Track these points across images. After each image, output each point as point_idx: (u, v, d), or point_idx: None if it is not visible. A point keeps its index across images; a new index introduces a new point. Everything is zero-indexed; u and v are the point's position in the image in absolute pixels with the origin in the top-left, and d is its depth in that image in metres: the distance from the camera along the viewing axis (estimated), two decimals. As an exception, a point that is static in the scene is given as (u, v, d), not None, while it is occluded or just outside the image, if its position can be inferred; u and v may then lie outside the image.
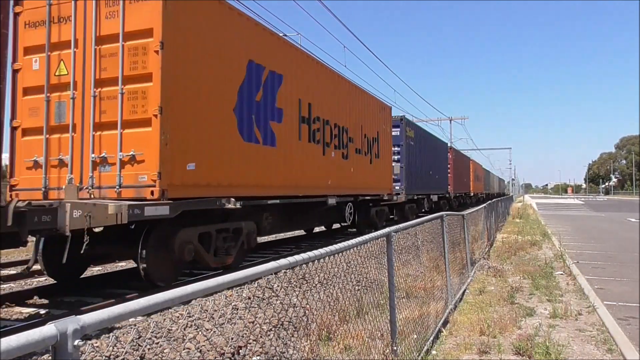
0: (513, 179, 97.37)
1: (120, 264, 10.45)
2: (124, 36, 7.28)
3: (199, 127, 7.89)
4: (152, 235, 7.44)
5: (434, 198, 26.94)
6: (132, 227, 7.67)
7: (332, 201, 12.98)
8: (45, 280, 9.08)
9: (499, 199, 26.00)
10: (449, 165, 32.13)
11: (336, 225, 17.93)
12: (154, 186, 7.06)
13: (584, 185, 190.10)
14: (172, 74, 7.30)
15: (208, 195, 8.09)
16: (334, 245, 3.28)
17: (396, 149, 20.60)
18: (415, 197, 22.66)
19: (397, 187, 20.06)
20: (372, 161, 16.51)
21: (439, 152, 29.21)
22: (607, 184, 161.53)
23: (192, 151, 7.74)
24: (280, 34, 12.04)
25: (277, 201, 10.38)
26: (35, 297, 7.57)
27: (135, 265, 10.29)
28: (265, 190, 9.99)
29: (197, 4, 7.90)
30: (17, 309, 6.89)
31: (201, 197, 7.95)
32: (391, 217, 20.08)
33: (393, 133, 19.66)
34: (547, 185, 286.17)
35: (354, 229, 17.14)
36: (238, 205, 8.53)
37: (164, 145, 7.14)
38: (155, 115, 7.08)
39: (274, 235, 14.09)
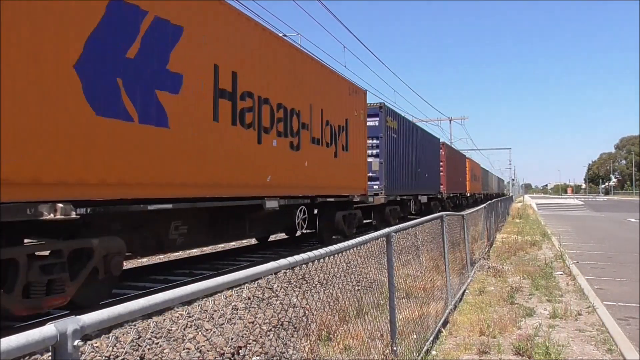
0: (513, 179, 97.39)
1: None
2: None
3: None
4: None
5: (423, 199, 24.13)
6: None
7: (271, 204, 9.87)
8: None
9: (498, 199, 25.96)
10: (441, 163, 29.39)
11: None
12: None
13: (583, 186, 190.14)
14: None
15: (18, 200, 5.15)
16: (334, 246, 3.28)
17: (374, 141, 17.68)
18: (399, 198, 19.62)
19: (375, 187, 17.26)
20: (337, 154, 13.26)
21: (429, 148, 25.92)
22: (607, 184, 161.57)
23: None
24: (280, 35, 11.82)
25: (170, 205, 7.29)
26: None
27: (135, 265, 10.30)
28: (151, 190, 6.89)
29: None
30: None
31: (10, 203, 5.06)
32: (368, 221, 17.77)
33: (370, 123, 16.66)
34: (547, 185, 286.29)
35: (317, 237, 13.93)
36: (73, 215, 5.58)
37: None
38: None
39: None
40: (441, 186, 29.08)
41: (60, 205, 5.44)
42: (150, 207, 6.95)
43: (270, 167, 9.85)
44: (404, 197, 20.59)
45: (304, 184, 11.42)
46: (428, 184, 25.09)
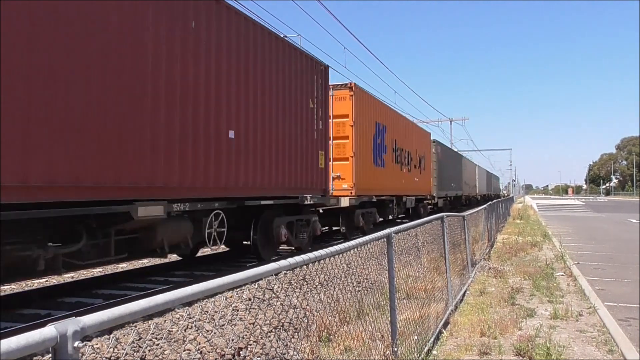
0: (514, 180, 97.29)
1: (121, 265, 10.44)
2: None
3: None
4: None
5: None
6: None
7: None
8: (45, 281, 9.08)
9: (498, 200, 25.96)
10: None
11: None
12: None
13: (584, 186, 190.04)
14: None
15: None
16: (335, 247, 3.28)
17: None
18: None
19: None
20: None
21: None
22: (607, 184, 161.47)
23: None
24: (281, 35, 12.01)
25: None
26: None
27: (135, 267, 10.29)
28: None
29: None
30: (18, 310, 6.88)
31: None
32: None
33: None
34: (547, 186, 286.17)
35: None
36: None
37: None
38: None
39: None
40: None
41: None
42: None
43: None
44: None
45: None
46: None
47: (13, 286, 8.78)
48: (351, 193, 14.27)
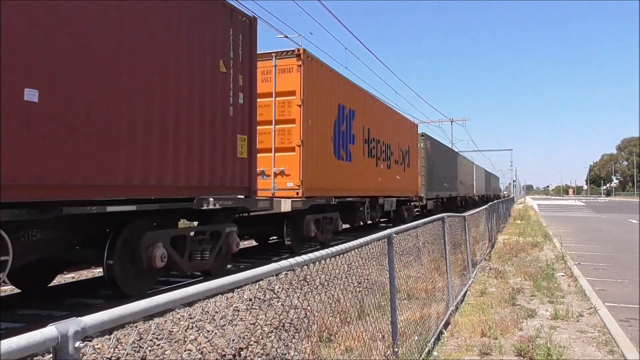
0: (514, 180, 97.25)
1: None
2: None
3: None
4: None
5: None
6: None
7: None
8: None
9: (499, 201, 25.92)
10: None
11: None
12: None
13: (585, 187, 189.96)
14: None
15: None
16: (335, 247, 3.29)
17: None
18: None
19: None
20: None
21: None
22: (608, 185, 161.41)
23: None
24: (281, 35, 12.21)
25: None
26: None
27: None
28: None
29: None
30: (18, 310, 6.88)
31: None
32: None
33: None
34: (548, 186, 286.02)
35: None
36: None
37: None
38: None
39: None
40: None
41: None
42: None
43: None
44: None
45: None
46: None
47: (13, 286, 8.78)
48: (297, 194, 10.86)
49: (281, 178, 11.12)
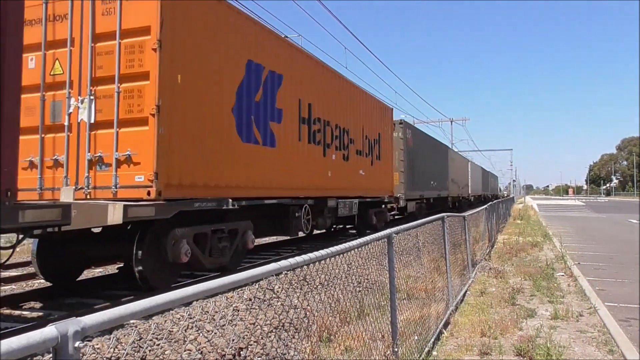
0: (514, 180, 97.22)
1: (121, 265, 10.44)
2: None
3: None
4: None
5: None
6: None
7: None
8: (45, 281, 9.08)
9: (498, 200, 25.80)
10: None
11: None
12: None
13: (585, 187, 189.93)
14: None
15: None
16: (335, 247, 3.29)
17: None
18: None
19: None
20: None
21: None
22: (608, 185, 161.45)
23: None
24: (282, 35, 11.81)
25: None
26: (35, 301, 7.57)
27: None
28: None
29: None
30: (18, 310, 6.89)
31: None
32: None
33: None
34: (548, 186, 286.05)
35: None
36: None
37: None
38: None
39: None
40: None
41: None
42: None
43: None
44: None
45: None
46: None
47: (13, 286, 8.79)
48: (149, 194, 6.84)
49: (127, 168, 7.04)
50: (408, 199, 20.51)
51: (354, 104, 14.74)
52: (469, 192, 41.27)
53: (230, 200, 8.31)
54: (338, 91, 13.53)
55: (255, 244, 9.90)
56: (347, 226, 17.58)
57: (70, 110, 7.31)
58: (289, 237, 12.80)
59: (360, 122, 15.13)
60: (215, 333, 5.41)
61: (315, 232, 15.36)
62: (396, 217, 21.35)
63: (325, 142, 12.53)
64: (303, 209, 11.45)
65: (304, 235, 13.26)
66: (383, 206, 17.70)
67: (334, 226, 16.91)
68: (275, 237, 14.37)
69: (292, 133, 10.76)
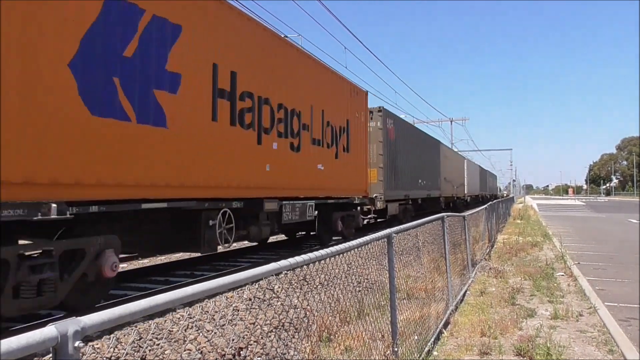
0: (514, 180, 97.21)
1: (121, 265, 10.43)
2: None
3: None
4: None
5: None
6: None
7: None
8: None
9: (498, 200, 25.69)
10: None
11: None
12: None
13: (585, 186, 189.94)
14: None
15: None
16: (335, 247, 3.29)
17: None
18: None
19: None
20: None
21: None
22: (608, 185, 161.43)
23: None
24: (282, 35, 11.54)
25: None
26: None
27: (136, 266, 10.31)
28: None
29: None
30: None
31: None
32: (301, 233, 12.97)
33: None
34: (548, 186, 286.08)
35: None
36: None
37: None
38: None
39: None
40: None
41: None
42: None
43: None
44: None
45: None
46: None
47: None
48: None
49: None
50: (389, 199, 17.66)
51: (309, 80, 11.41)
52: (465, 192, 38.40)
53: (54, 205, 5.31)
54: (285, 63, 10.36)
55: (121, 269, 7.62)
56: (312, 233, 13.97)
57: None
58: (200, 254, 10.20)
59: (319, 104, 11.67)
60: (215, 333, 5.41)
61: (274, 239, 13.74)
62: (377, 220, 19.04)
63: (261, 125, 9.30)
64: (219, 216, 8.33)
65: (224, 250, 9.13)
66: (355, 209, 14.85)
67: (300, 232, 14.42)
68: (273, 238, 14.35)
69: (199, 110, 7.65)
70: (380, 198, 17.04)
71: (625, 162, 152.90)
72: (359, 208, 15.31)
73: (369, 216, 17.55)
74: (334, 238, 13.66)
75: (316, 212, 12.00)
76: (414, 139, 22.63)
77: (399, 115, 21.52)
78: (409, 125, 23.00)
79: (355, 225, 14.75)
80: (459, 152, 35.71)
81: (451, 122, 59.02)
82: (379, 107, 17.64)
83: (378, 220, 19.33)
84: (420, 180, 22.97)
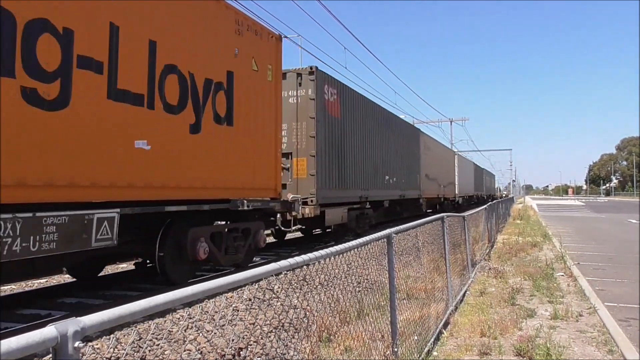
0: (514, 180, 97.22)
1: (121, 265, 10.44)
2: None
3: None
4: None
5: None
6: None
7: None
8: (46, 281, 9.08)
9: (498, 200, 25.55)
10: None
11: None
12: None
13: (584, 187, 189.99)
14: None
15: None
16: (335, 247, 3.29)
17: None
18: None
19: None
20: None
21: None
22: (607, 185, 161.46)
23: None
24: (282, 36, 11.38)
25: None
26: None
27: (134, 267, 10.32)
28: None
29: None
30: (18, 310, 6.88)
31: None
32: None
33: None
34: (547, 186, 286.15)
35: None
36: None
37: None
38: None
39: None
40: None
41: None
42: None
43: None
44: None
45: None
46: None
47: (13, 286, 8.79)
48: None
49: None
50: (327, 203, 12.62)
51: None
52: (456, 192, 33.42)
53: None
54: None
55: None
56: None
57: None
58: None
59: (136, 25, 6.55)
60: (215, 333, 5.41)
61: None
62: (312, 232, 15.02)
63: None
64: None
65: None
66: (258, 219, 9.87)
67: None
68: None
69: None
70: (312, 201, 11.78)
71: (625, 163, 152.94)
72: (258, 216, 9.93)
73: (293, 227, 11.70)
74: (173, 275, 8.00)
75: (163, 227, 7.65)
76: (375, 120, 17.00)
77: (398, 115, 19.47)
78: (367, 101, 16.40)
79: (254, 245, 9.64)
80: (416, 128, 25.50)
81: (451, 122, 59.02)
82: (311, 67, 12.32)
83: (316, 232, 15.37)
84: (387, 177, 17.74)
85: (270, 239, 13.80)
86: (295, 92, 12.43)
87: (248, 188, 9.06)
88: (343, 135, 14.11)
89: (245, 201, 8.80)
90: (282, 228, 11.43)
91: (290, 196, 10.77)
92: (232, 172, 8.57)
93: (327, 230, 15.21)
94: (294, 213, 10.63)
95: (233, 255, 8.95)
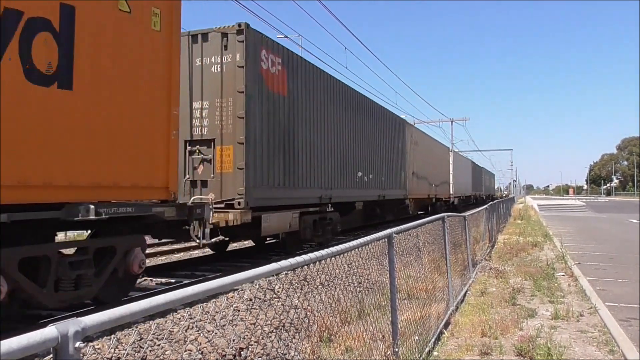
0: (514, 180, 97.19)
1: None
2: None
3: None
4: None
5: None
6: None
7: None
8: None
9: (499, 200, 25.50)
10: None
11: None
12: None
13: (585, 187, 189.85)
14: None
15: None
16: (336, 247, 3.29)
17: None
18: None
19: None
20: None
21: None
22: (608, 185, 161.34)
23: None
24: (281, 35, 11.07)
25: None
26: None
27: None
28: None
29: None
30: (18, 310, 6.88)
31: None
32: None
33: None
34: (548, 186, 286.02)
35: None
36: None
37: None
38: None
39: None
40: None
41: None
42: None
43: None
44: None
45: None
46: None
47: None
48: None
49: None
50: (265, 205, 10.03)
51: None
52: (451, 192, 30.87)
53: None
54: None
55: None
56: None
57: None
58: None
59: None
60: (215, 333, 5.41)
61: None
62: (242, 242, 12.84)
63: None
64: None
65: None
66: (121, 235, 6.76)
67: None
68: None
69: None
70: (239, 203, 9.14)
71: (625, 162, 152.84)
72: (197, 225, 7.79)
73: (212, 240, 8.11)
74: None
75: None
76: (343, 104, 13.93)
77: (398, 115, 17.50)
78: (331, 80, 13.27)
79: (125, 270, 6.74)
80: (401, 118, 22.01)
81: (451, 122, 58.97)
82: (239, 24, 9.43)
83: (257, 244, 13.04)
84: (360, 174, 15.04)
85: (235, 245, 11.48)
86: (219, 59, 9.50)
87: (111, 186, 6.13)
88: (293, 118, 11.01)
89: (91, 206, 5.67)
90: (196, 242, 7.82)
91: (192, 198, 8.14)
92: (72, 160, 5.62)
93: (271, 241, 12.58)
94: (212, 221, 7.92)
95: (70, 291, 5.82)
